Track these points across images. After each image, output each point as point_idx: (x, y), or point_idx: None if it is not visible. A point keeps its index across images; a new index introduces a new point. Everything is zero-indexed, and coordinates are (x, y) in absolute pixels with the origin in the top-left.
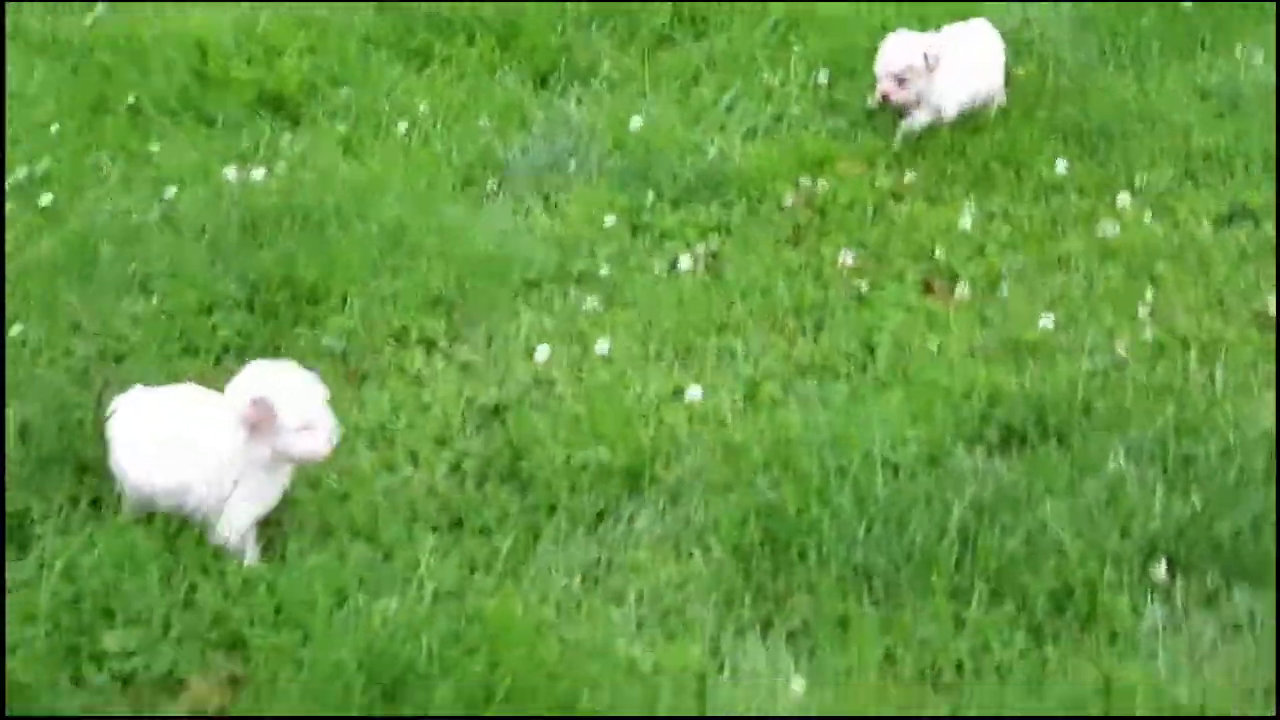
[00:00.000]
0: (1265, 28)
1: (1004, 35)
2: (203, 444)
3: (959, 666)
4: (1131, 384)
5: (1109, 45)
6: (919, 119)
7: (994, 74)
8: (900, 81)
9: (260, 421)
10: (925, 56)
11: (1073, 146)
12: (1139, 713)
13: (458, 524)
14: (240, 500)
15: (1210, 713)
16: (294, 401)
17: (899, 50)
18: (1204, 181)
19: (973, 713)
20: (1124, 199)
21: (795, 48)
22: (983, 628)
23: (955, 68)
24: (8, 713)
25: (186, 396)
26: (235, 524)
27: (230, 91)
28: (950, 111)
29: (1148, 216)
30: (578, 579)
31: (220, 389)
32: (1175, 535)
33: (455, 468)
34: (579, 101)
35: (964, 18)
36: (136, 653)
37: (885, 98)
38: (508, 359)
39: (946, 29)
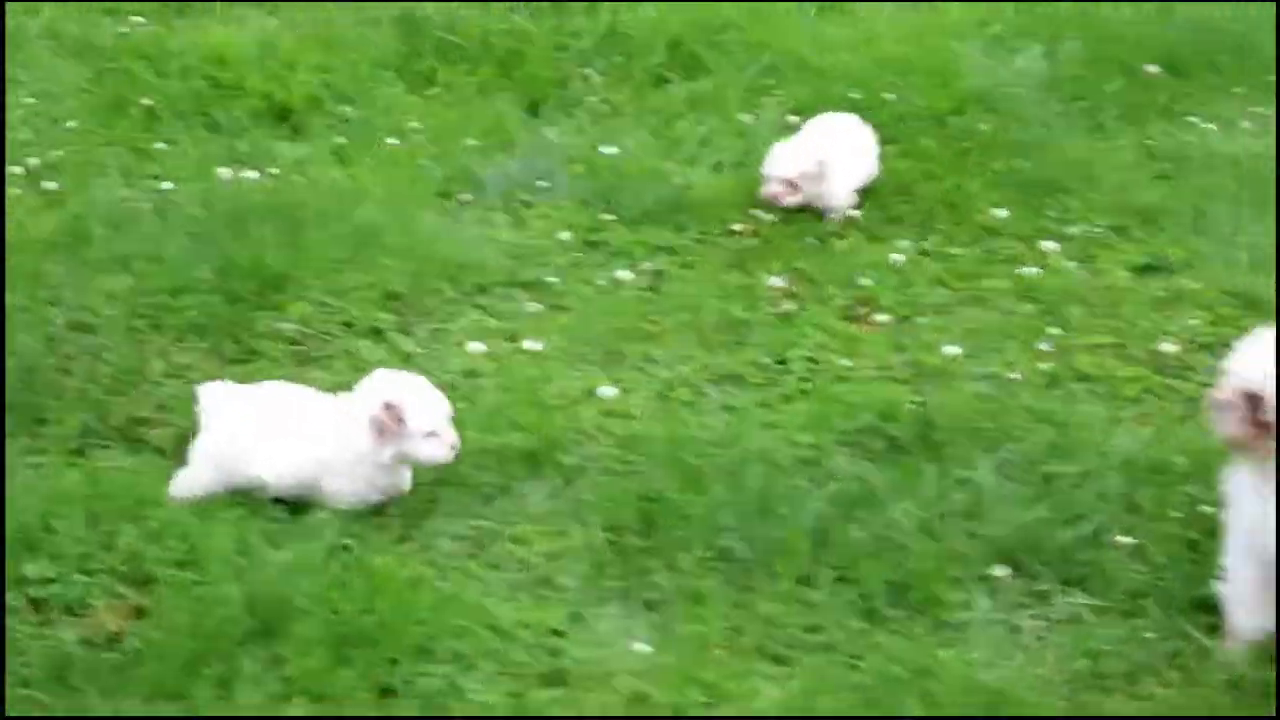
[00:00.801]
0: (1222, 100)
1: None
2: (334, 442)
3: (793, 644)
4: (1017, 409)
5: (1071, 107)
6: (832, 213)
7: (872, 160)
8: (792, 186)
9: (388, 426)
10: (819, 164)
11: (1016, 196)
12: (946, 692)
13: None
14: (351, 493)
15: (1012, 699)
16: (422, 409)
17: (791, 157)
18: (1132, 235)
19: (796, 681)
20: (1051, 245)
21: (776, 92)
22: (822, 610)
23: (842, 168)
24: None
25: (299, 393)
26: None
27: (240, 100)
28: (846, 204)
29: (1071, 263)
30: (463, 545)
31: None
32: (1020, 542)
33: None
34: (563, 131)
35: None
36: (54, 581)
37: (775, 200)
38: (444, 351)
39: (819, 120)
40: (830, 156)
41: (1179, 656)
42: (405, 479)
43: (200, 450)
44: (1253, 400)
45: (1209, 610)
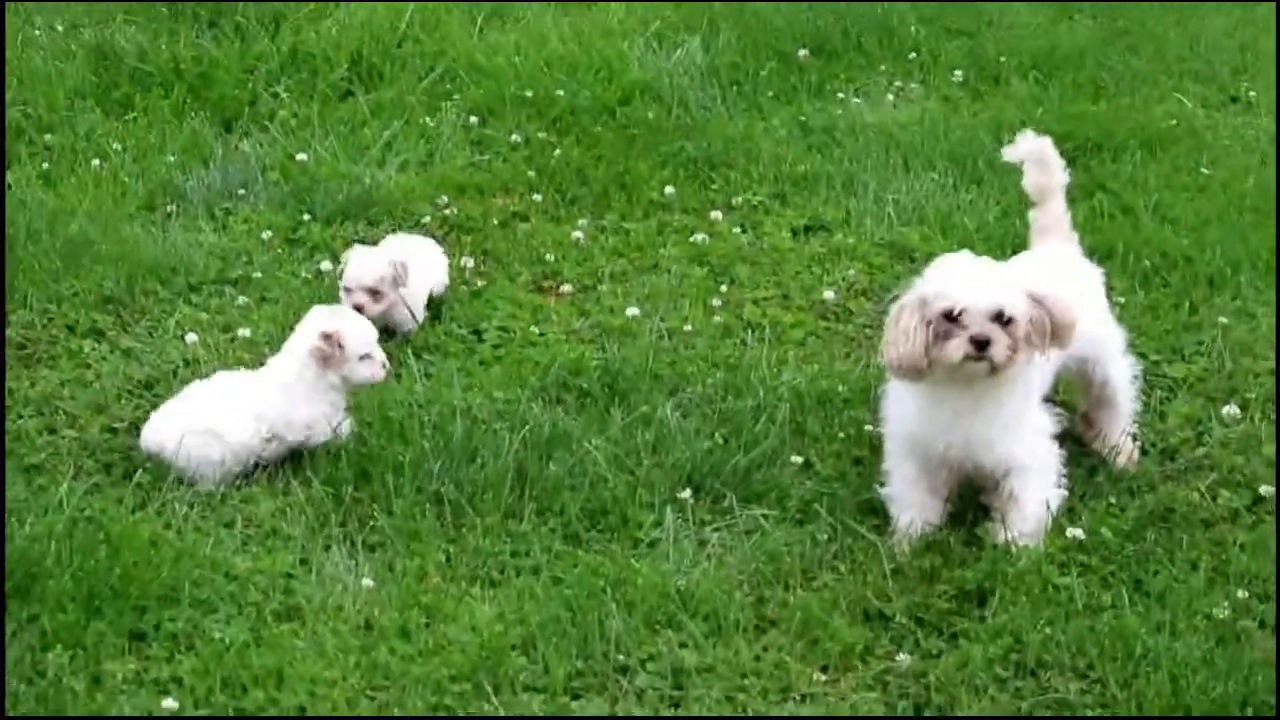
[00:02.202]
0: (868, 77)
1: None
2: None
3: (504, 569)
4: (694, 357)
5: (730, 92)
6: (406, 326)
7: (443, 273)
8: (375, 294)
9: (329, 353)
10: (395, 266)
11: (682, 174)
12: (642, 596)
13: (105, 469)
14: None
15: (701, 596)
16: (356, 335)
17: (370, 264)
18: (791, 202)
19: (512, 601)
20: (717, 215)
21: (454, 96)
22: (528, 538)
23: (417, 279)
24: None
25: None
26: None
27: None
28: (420, 313)
29: (737, 229)
30: (196, 509)
31: None
32: (703, 467)
33: (108, 429)
34: (258, 144)
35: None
36: None
37: (359, 310)
38: (163, 344)
39: (393, 239)
40: (408, 260)
41: (850, 552)
42: (345, 424)
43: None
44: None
45: (874, 513)
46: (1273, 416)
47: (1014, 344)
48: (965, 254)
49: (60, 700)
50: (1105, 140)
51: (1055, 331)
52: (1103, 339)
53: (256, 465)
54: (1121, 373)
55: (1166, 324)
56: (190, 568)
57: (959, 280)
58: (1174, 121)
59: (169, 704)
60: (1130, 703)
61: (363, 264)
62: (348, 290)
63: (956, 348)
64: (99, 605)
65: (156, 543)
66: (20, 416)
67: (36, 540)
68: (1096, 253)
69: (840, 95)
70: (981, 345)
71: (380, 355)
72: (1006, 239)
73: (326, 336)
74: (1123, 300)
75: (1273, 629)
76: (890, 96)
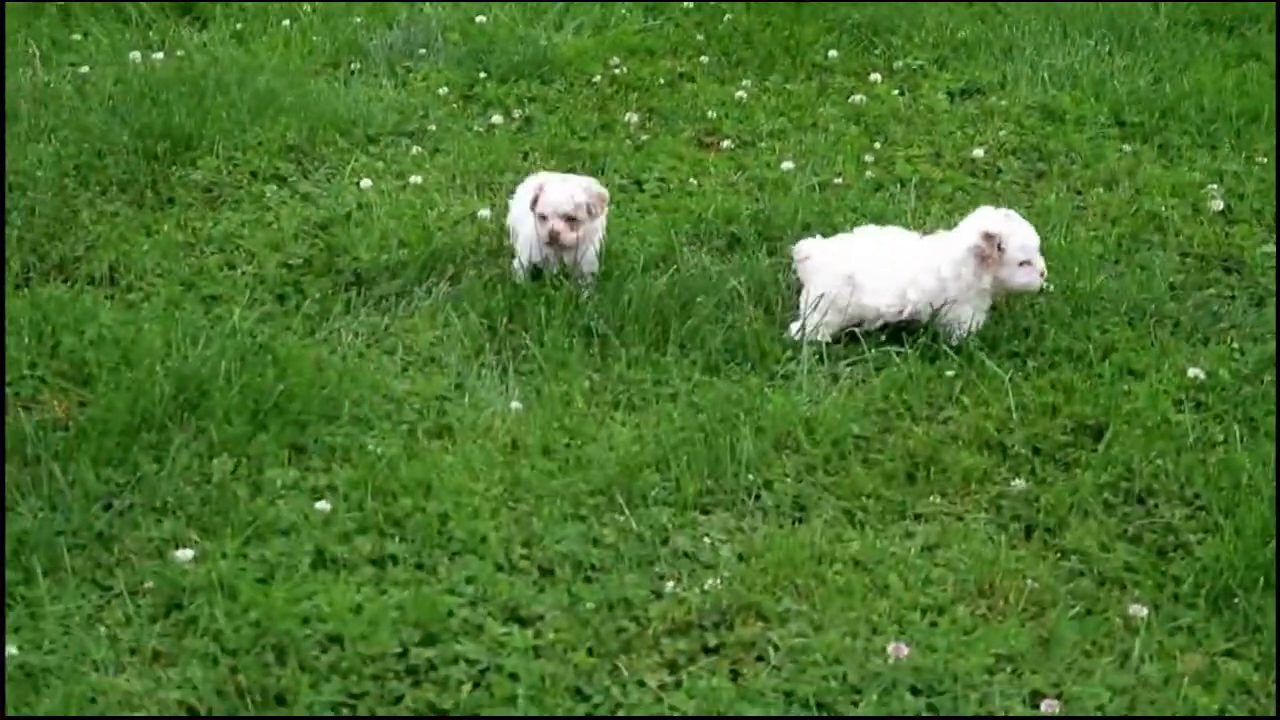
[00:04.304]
0: None
1: None
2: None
3: (645, 396)
4: (843, 208)
5: None
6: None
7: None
8: (571, 221)
9: (989, 254)
10: (590, 193)
11: (846, 39)
12: (775, 424)
13: (278, 300)
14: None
15: (827, 422)
16: (1018, 239)
17: (569, 191)
18: (950, 66)
19: (651, 424)
20: (877, 77)
21: None
22: (669, 368)
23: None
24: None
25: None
26: (963, 329)
27: None
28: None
29: (895, 91)
30: (361, 338)
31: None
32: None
33: (283, 265)
34: (440, 7)
35: None
36: (10, 384)
37: (555, 237)
38: (339, 189)
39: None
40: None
41: (974, 386)
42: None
43: (810, 298)
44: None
45: (1002, 350)
46: None
47: None
48: None
49: (224, 502)
50: (1264, 11)
51: None
52: None
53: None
54: None
55: None
56: (351, 389)
57: None
58: None
59: (321, 505)
60: (1231, 528)
61: (559, 190)
62: (543, 217)
63: None
64: (264, 420)
65: (321, 365)
66: (202, 253)
67: (208, 360)
68: (1243, 117)
69: None
70: None
71: (1040, 263)
72: (1155, 103)
73: (988, 236)
74: (1265, 160)
75: None
76: None
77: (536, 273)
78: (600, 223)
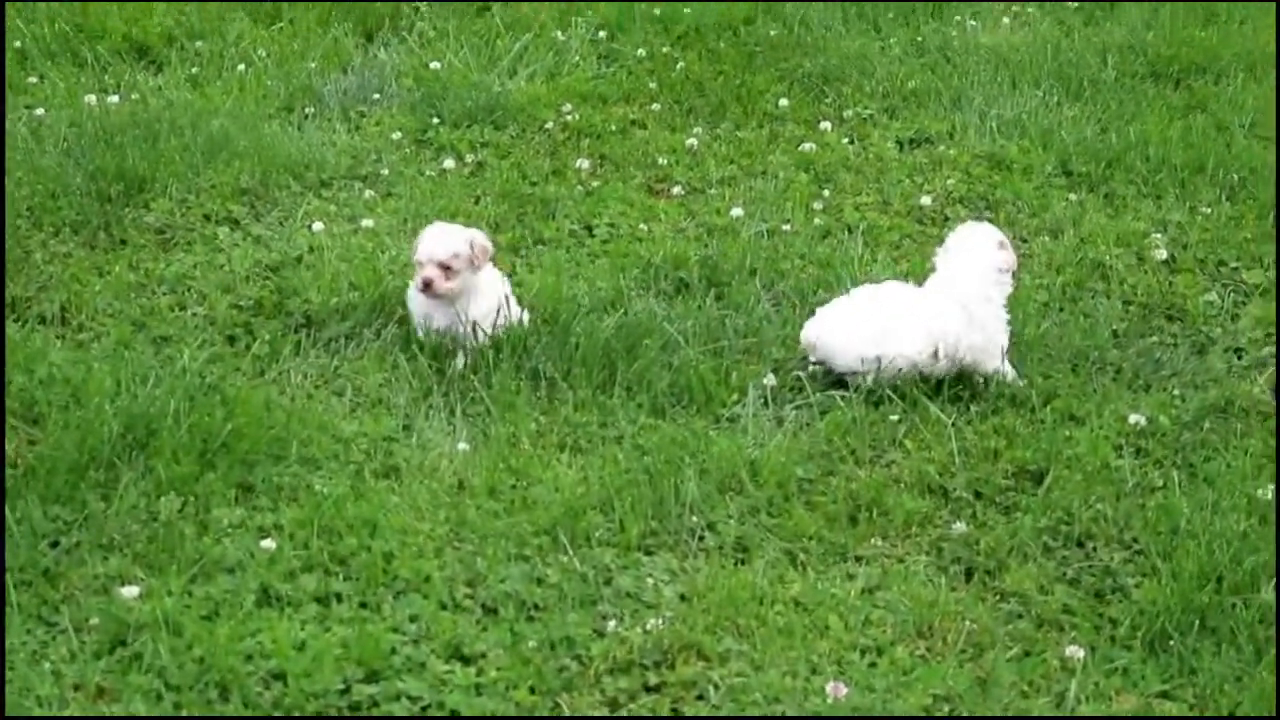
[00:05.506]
0: None
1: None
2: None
3: (591, 438)
4: (791, 254)
5: (851, 12)
6: (460, 363)
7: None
8: (446, 270)
9: (1013, 261)
10: (471, 245)
11: (797, 88)
12: (719, 466)
13: (229, 341)
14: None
15: (771, 466)
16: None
17: (447, 239)
18: (899, 115)
19: (596, 466)
20: (827, 125)
21: (586, 13)
22: (615, 411)
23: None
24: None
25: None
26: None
27: (103, 40)
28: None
29: (845, 140)
30: (311, 379)
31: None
32: (789, 356)
33: (234, 306)
34: (395, 53)
35: None
36: None
37: (428, 285)
38: (291, 232)
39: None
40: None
41: (918, 431)
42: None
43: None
44: None
45: (945, 395)
46: None
47: None
48: None
49: (170, 539)
50: (1210, 63)
51: None
52: None
53: None
54: None
55: (1248, 233)
56: (299, 429)
57: None
58: None
59: (267, 544)
60: (1168, 571)
61: (437, 237)
62: (419, 264)
63: None
64: (211, 459)
65: (270, 406)
66: (153, 294)
67: (157, 400)
68: (1187, 168)
69: (957, 17)
70: None
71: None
72: (1101, 153)
73: (1003, 245)
74: (1209, 210)
75: None
76: (1006, 20)
77: None
78: (493, 280)
